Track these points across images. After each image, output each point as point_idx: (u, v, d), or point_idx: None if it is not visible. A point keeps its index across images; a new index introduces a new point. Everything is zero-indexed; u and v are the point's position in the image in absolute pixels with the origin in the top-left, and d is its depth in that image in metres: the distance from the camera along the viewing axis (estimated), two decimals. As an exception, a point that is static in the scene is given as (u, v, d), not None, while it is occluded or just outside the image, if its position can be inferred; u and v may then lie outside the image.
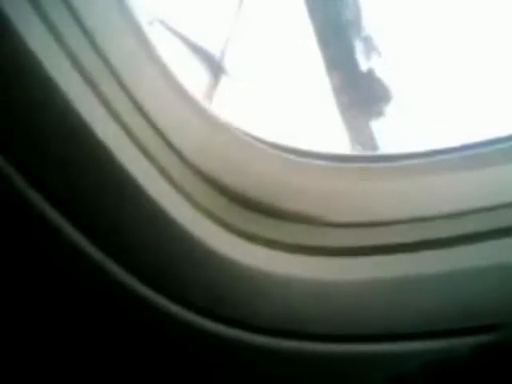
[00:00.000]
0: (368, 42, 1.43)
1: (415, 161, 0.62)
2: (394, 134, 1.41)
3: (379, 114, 1.42)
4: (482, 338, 0.57)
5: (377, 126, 1.42)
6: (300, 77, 1.42)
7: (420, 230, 0.60)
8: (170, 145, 0.56)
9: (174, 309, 0.55)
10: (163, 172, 0.55)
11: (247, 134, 0.60)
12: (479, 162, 0.61)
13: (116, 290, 0.54)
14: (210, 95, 1.38)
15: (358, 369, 0.58)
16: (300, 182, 0.60)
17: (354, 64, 1.43)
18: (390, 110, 1.42)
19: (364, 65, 1.43)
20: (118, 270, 0.54)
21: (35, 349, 0.57)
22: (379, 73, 1.43)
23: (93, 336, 0.56)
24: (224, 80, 1.41)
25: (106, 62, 0.52)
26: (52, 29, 0.49)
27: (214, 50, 1.41)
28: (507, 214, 0.59)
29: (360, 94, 1.43)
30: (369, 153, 1.35)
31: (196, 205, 0.57)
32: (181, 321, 0.55)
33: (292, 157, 0.61)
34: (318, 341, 0.57)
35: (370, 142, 1.40)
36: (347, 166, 0.62)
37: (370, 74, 1.44)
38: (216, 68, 1.41)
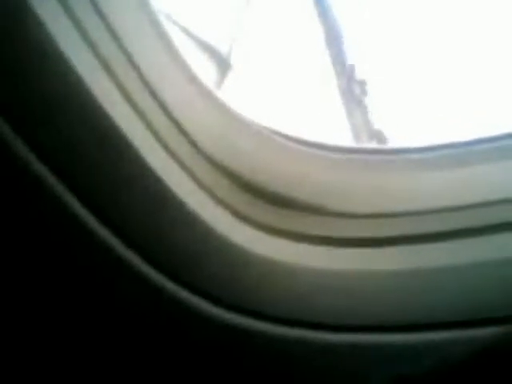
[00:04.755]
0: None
1: (421, 154, 0.63)
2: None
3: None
4: (489, 331, 0.58)
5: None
6: (306, 71, 1.43)
7: (426, 222, 0.61)
8: (186, 135, 0.56)
9: (184, 295, 0.56)
10: (179, 161, 0.56)
11: (259, 125, 0.61)
12: (485, 157, 0.62)
13: (137, 284, 0.55)
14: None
15: (364, 359, 0.59)
16: (310, 173, 0.61)
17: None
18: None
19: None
20: (141, 264, 0.54)
21: (58, 342, 0.58)
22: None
23: (112, 328, 0.57)
24: (230, 76, 1.42)
25: (126, 53, 0.53)
26: (72, 16, 0.50)
27: (221, 46, 1.41)
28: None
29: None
30: (377, 146, 1.35)
31: (204, 189, 0.57)
32: (193, 308, 0.56)
33: (302, 148, 0.61)
34: (325, 330, 0.58)
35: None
36: (356, 157, 0.62)
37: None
38: (223, 64, 1.41)
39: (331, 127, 1.41)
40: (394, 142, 1.45)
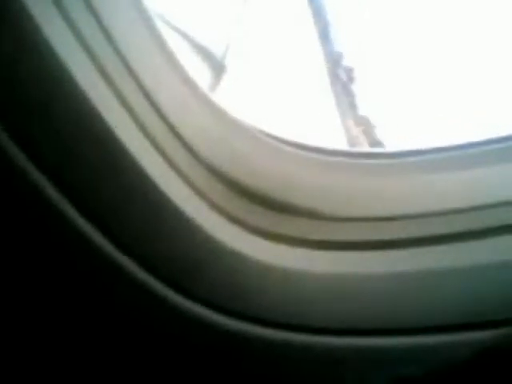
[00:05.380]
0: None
1: (419, 158, 0.63)
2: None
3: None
4: (490, 334, 0.58)
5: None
6: (300, 73, 1.43)
7: (425, 225, 0.61)
8: (182, 139, 0.56)
9: (184, 302, 0.56)
10: (176, 167, 0.55)
11: (254, 128, 0.61)
12: (485, 160, 0.62)
13: (136, 292, 0.55)
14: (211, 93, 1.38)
15: (365, 362, 0.59)
16: (307, 177, 0.61)
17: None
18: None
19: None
20: (140, 271, 0.54)
21: (57, 349, 0.58)
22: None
23: (111, 336, 0.57)
24: (225, 78, 1.41)
25: (121, 55, 0.53)
26: (67, 18, 0.50)
27: (216, 48, 1.41)
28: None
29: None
30: (372, 149, 1.36)
31: (200, 195, 0.57)
32: (193, 315, 0.56)
33: (299, 151, 0.61)
34: (325, 335, 0.58)
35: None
36: (353, 161, 0.62)
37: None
38: (217, 66, 1.40)
39: (325, 125, 1.42)
40: (382, 129, 1.46)
